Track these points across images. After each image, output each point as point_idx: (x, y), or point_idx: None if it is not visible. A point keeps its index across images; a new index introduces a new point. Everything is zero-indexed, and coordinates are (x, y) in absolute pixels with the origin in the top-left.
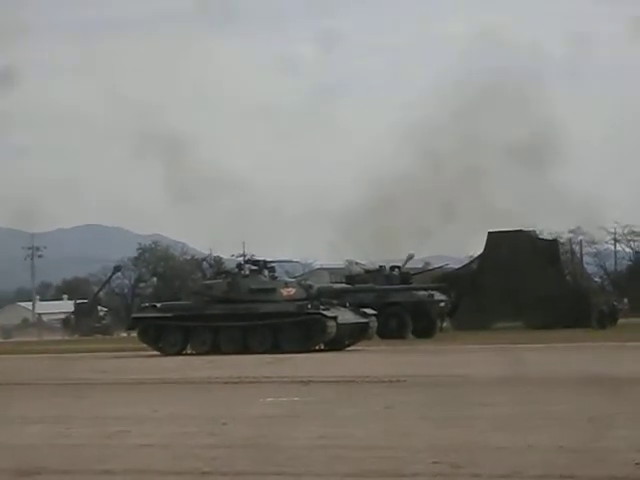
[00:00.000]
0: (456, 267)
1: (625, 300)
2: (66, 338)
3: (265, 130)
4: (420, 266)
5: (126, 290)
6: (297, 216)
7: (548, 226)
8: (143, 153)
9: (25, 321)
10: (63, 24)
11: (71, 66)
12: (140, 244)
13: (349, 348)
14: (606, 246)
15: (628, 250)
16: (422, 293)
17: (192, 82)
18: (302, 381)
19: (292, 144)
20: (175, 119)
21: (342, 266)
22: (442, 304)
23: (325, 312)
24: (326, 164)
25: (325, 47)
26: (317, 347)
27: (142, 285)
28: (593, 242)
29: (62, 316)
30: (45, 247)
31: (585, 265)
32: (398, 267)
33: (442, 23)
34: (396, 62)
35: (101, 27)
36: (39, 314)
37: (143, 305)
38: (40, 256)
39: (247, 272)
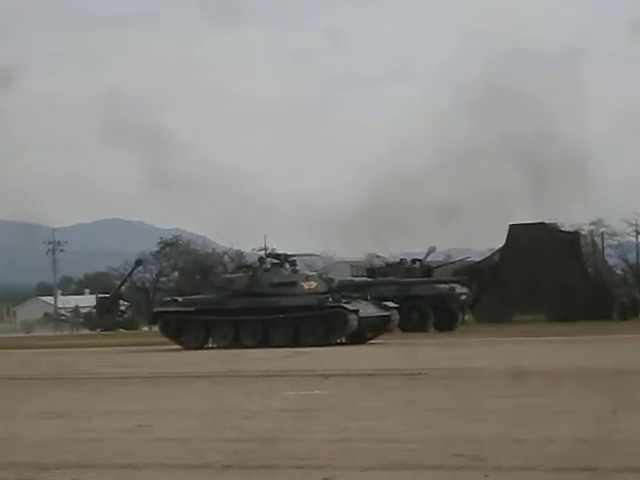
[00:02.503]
0: (477, 260)
1: None
2: (84, 333)
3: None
4: (441, 259)
5: (148, 284)
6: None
7: (570, 218)
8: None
9: (46, 315)
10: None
11: (71, 60)
12: (161, 238)
13: (370, 341)
14: (628, 238)
15: None
16: (443, 286)
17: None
18: (323, 374)
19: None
20: (171, 116)
21: (363, 259)
22: (463, 297)
23: (346, 305)
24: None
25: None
26: (338, 340)
27: (163, 279)
28: (615, 234)
29: (84, 310)
30: (66, 242)
31: (606, 257)
32: (419, 260)
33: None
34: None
35: (103, 21)
36: (58, 309)
37: (165, 299)
38: (62, 250)
39: (268, 266)
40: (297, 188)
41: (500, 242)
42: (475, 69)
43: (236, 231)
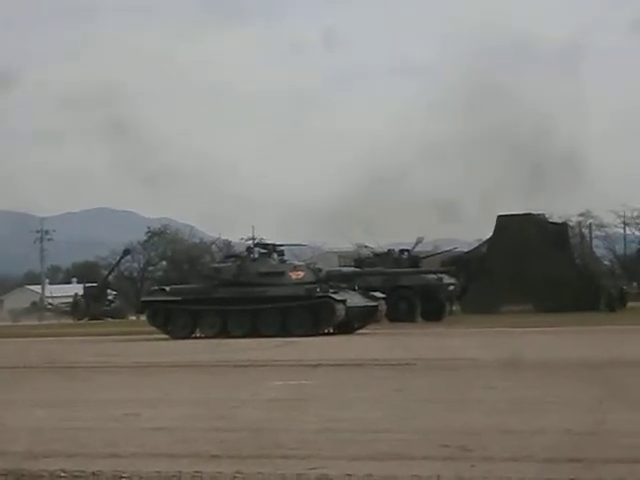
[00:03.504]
0: (465, 250)
1: (634, 283)
2: (70, 322)
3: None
4: (429, 249)
5: (135, 273)
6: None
7: (558, 209)
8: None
9: (34, 304)
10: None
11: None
12: (149, 227)
13: (358, 331)
14: (615, 229)
15: (638, 233)
16: (431, 276)
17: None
18: (311, 364)
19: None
20: (162, 109)
21: (351, 249)
22: (451, 287)
23: (334, 295)
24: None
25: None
26: (326, 330)
27: (151, 268)
28: (602, 226)
29: (66, 300)
30: (54, 230)
31: (594, 248)
32: (407, 250)
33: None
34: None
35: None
36: (41, 297)
37: (152, 288)
38: (49, 239)
39: (256, 255)
40: (289, 181)
41: (488, 233)
42: (468, 63)
43: (223, 221)
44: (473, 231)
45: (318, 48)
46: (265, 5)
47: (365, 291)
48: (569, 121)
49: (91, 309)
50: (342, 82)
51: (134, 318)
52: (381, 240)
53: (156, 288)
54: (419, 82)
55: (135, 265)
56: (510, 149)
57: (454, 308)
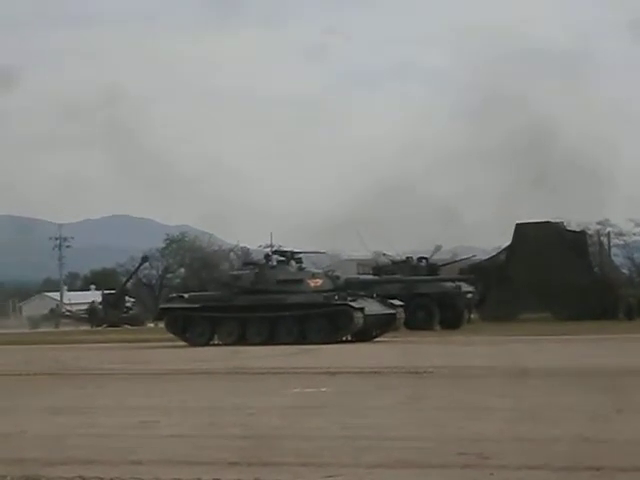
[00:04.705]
0: (484, 258)
1: None
2: (88, 329)
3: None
4: (448, 257)
5: (154, 281)
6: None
7: (576, 218)
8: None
9: (52, 311)
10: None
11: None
12: (168, 235)
13: (376, 339)
14: (634, 238)
15: None
16: (449, 284)
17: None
18: (329, 372)
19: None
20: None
21: (369, 257)
22: (469, 295)
23: (352, 303)
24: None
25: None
26: (344, 338)
27: (170, 276)
28: (621, 234)
29: (90, 306)
30: (73, 237)
31: (613, 257)
32: (425, 258)
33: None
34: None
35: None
36: (57, 305)
37: (171, 296)
38: (68, 246)
39: (274, 263)
40: (297, 187)
41: (507, 241)
42: (478, 68)
43: (241, 228)
44: (491, 239)
45: (326, 52)
46: (274, 7)
47: (383, 299)
48: (588, 128)
49: (109, 316)
50: (354, 86)
51: (152, 325)
52: (399, 248)
53: (174, 295)
54: (431, 88)
55: (153, 272)
56: (527, 156)
57: (472, 316)
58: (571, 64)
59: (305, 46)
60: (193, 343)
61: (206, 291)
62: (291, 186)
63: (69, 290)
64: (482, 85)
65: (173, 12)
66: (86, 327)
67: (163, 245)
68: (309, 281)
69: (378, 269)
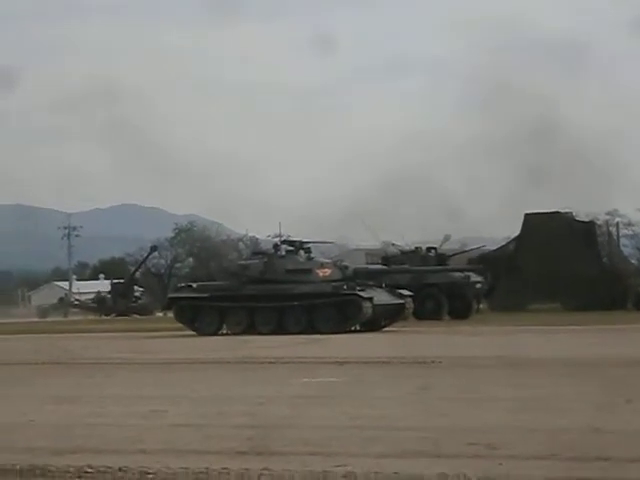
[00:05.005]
0: (493, 248)
1: None
2: (96, 318)
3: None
4: (457, 247)
5: (162, 270)
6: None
7: (585, 208)
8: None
9: (61, 301)
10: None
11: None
12: (176, 224)
13: (385, 329)
14: None
15: None
16: (458, 274)
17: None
18: (337, 362)
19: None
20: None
21: (378, 247)
22: (478, 285)
23: (361, 293)
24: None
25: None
26: (353, 328)
27: (178, 265)
28: (630, 224)
29: (89, 296)
30: (82, 227)
31: (622, 247)
32: (434, 248)
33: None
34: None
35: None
36: (66, 294)
37: (179, 285)
38: (77, 236)
39: (283, 253)
40: (305, 178)
41: (515, 231)
42: (481, 60)
43: (249, 218)
44: (500, 229)
45: (328, 45)
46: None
47: (392, 289)
48: (597, 118)
49: (118, 305)
50: (358, 79)
51: (161, 315)
52: (408, 238)
53: (183, 285)
54: (436, 80)
55: (162, 262)
56: (536, 147)
57: (481, 306)
58: (578, 54)
59: (308, 39)
60: (202, 332)
61: (215, 281)
62: (299, 177)
63: (78, 279)
64: (486, 77)
65: (174, 5)
66: (93, 316)
67: (172, 235)
68: (318, 271)
69: (387, 259)
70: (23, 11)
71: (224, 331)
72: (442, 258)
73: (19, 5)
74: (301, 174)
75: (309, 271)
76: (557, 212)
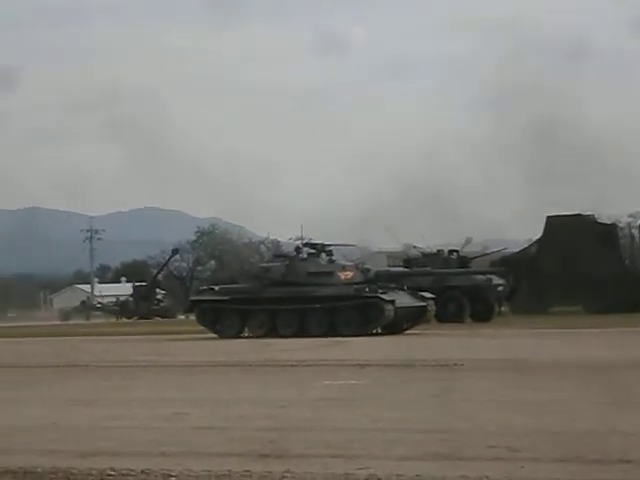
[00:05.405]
0: (515, 251)
1: None
2: (117, 321)
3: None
4: (478, 250)
5: (184, 273)
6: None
7: (607, 210)
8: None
9: (83, 303)
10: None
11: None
12: (198, 227)
13: (407, 332)
14: None
15: None
16: (480, 277)
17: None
18: (359, 364)
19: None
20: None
21: (400, 250)
22: (500, 288)
23: (383, 295)
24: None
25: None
26: (375, 331)
27: (200, 268)
28: None
29: (121, 298)
30: (104, 230)
31: None
32: (456, 251)
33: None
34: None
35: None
36: (88, 297)
37: (201, 288)
38: (99, 239)
39: (305, 255)
40: (326, 181)
41: (538, 233)
42: (492, 60)
43: (271, 221)
44: (522, 231)
45: (341, 46)
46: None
47: (414, 291)
48: (619, 120)
49: (140, 308)
50: (377, 79)
51: (183, 317)
52: (430, 240)
53: (205, 288)
54: (453, 81)
55: (184, 265)
56: (557, 149)
57: (503, 309)
58: (595, 53)
59: (321, 39)
60: (223, 335)
61: (236, 283)
62: (317, 179)
63: (100, 282)
64: (504, 78)
65: (179, 6)
66: (113, 319)
67: (194, 237)
68: (339, 273)
69: (408, 262)
70: (23, 12)
71: (246, 334)
72: (464, 260)
73: (19, 5)
74: (319, 176)
75: (331, 274)
76: (579, 214)
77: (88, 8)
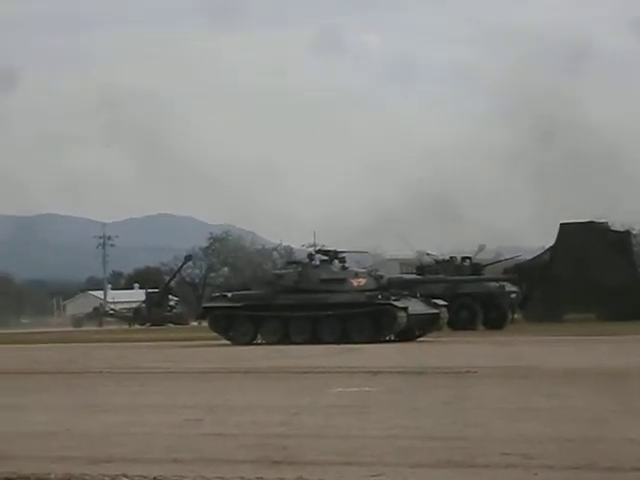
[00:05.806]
0: (528, 258)
1: None
2: (129, 327)
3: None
4: (491, 257)
5: (197, 280)
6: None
7: (620, 217)
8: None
9: (96, 310)
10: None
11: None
12: (211, 234)
13: (420, 339)
14: None
15: None
16: (493, 284)
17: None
18: (372, 371)
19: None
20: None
21: (412, 257)
22: (513, 295)
23: (395, 302)
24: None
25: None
26: (387, 338)
27: (213, 275)
28: None
29: (133, 305)
30: (117, 236)
31: None
32: (469, 258)
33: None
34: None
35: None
36: (101, 303)
37: (214, 294)
38: (112, 245)
39: (318, 262)
40: (337, 188)
41: (551, 241)
42: (507, 67)
43: (284, 227)
44: (535, 239)
45: (351, 50)
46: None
47: (427, 298)
48: (632, 127)
49: (153, 315)
50: (387, 84)
51: (195, 324)
52: (442, 247)
53: (218, 294)
54: (464, 88)
55: (197, 271)
56: (570, 156)
57: (516, 316)
58: (610, 61)
59: (330, 44)
60: (236, 342)
61: (249, 290)
62: (328, 186)
63: (113, 289)
64: (515, 84)
65: (175, 11)
66: (126, 326)
67: (206, 244)
68: (352, 280)
69: (421, 269)
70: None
71: (258, 340)
72: (477, 268)
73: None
74: (331, 182)
75: (343, 281)
76: (592, 222)
77: (90, 13)
